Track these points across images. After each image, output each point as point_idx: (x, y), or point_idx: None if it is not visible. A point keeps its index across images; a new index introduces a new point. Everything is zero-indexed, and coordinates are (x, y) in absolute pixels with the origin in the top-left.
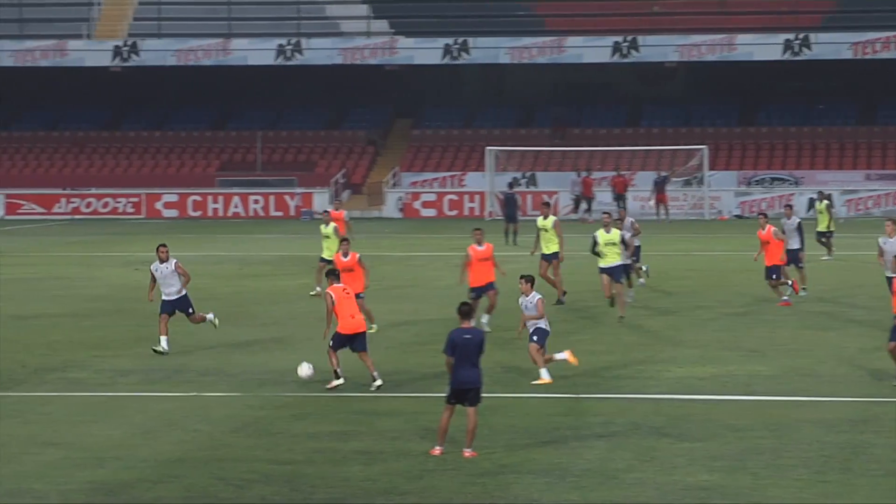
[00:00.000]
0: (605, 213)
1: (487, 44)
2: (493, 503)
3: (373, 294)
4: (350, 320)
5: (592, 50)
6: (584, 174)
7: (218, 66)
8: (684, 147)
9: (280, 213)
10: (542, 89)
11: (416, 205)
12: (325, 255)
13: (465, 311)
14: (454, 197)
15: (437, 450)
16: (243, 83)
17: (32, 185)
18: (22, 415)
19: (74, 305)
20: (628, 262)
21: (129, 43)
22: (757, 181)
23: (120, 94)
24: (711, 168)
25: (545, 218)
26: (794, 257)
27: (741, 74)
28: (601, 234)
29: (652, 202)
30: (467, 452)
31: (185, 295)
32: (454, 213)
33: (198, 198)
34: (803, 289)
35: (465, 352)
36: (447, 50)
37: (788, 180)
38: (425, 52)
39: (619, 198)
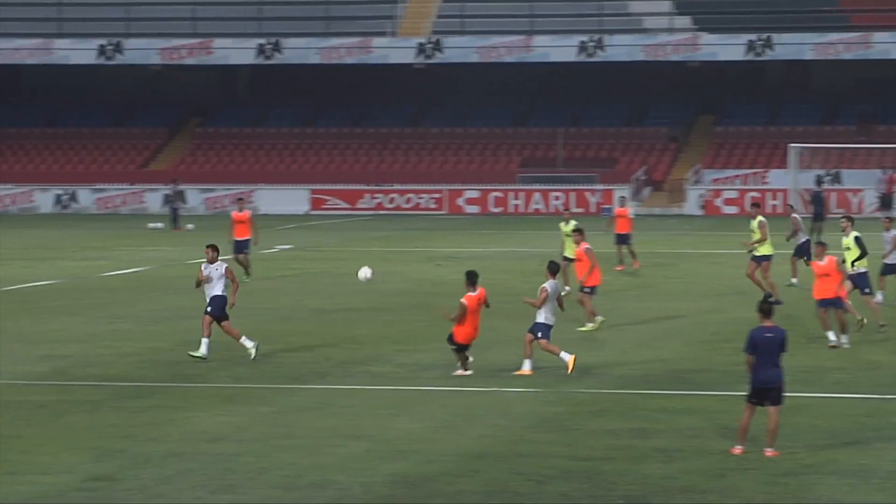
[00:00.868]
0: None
1: (792, 39)
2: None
3: (673, 291)
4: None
5: None
6: (889, 171)
7: (520, 62)
8: None
9: (581, 210)
10: (846, 85)
11: (718, 202)
12: (567, 254)
13: (766, 309)
14: (756, 194)
15: (737, 449)
16: (545, 80)
17: (337, 181)
18: (325, 407)
19: (377, 300)
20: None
21: (433, 40)
22: None
23: (423, 90)
24: None
25: (753, 219)
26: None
27: None
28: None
29: None
30: (769, 452)
31: (225, 299)
32: None
33: (499, 194)
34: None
35: (766, 350)
36: (750, 46)
37: None
38: (728, 48)
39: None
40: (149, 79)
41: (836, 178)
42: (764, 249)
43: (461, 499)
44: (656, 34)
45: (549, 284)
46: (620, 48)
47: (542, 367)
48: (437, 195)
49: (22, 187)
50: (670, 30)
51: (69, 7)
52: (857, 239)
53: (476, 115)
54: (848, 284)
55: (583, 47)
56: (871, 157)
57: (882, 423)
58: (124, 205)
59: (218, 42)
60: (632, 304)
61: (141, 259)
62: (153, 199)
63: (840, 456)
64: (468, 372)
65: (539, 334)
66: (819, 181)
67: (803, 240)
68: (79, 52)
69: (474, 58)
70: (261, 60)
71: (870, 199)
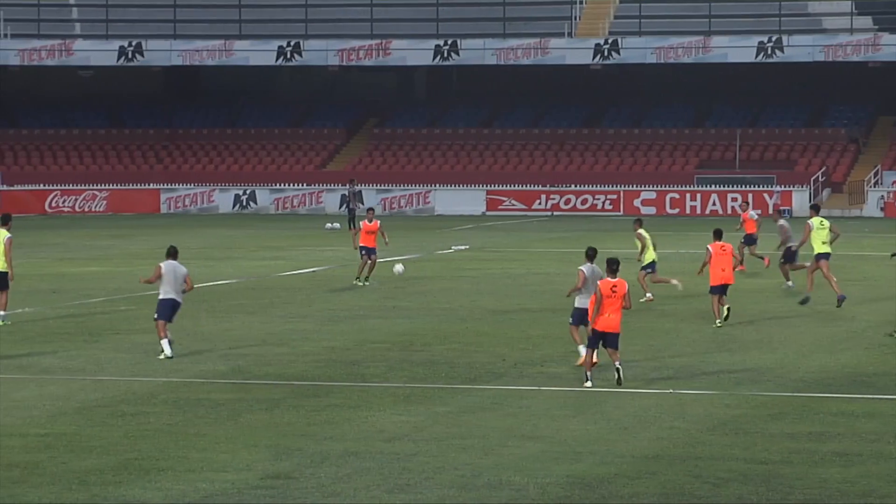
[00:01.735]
0: None
1: None
2: None
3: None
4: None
5: None
6: None
7: (697, 63)
8: None
9: (759, 211)
10: None
11: None
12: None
13: None
14: None
15: None
16: (722, 80)
17: (513, 182)
18: (501, 408)
19: (553, 301)
20: None
21: (610, 41)
22: None
23: (599, 91)
24: None
25: None
26: None
27: None
28: None
29: None
30: None
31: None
32: None
33: (675, 195)
34: None
35: None
36: None
37: None
38: None
39: None
40: (327, 80)
41: None
42: None
43: (637, 500)
44: (836, 34)
45: (585, 268)
46: (800, 48)
47: (719, 370)
48: (613, 196)
49: (202, 187)
50: (850, 30)
51: (249, 9)
52: None
53: (653, 115)
54: None
55: (761, 48)
56: None
57: None
58: (302, 205)
59: (395, 43)
60: (810, 307)
61: (318, 259)
62: (331, 199)
63: None
64: (588, 375)
65: (571, 319)
66: None
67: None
68: (258, 53)
69: (651, 59)
70: (438, 61)
71: None
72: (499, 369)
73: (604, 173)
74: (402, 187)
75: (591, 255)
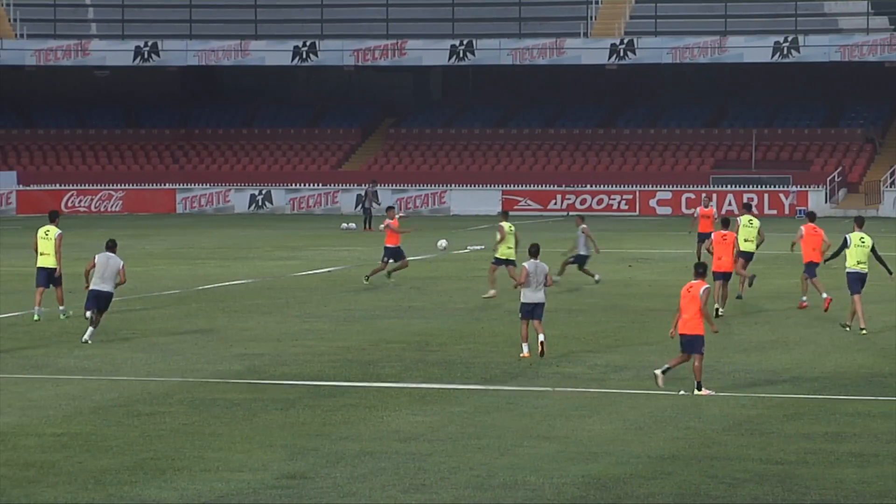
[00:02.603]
0: None
1: None
2: None
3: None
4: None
5: None
6: None
7: (713, 63)
8: None
9: (774, 212)
10: None
11: None
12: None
13: None
14: None
15: None
16: (738, 81)
17: (529, 182)
18: (517, 408)
19: (568, 301)
20: None
21: (626, 41)
22: None
23: (615, 91)
24: None
25: None
26: None
27: None
28: None
29: None
30: None
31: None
32: None
33: (691, 195)
34: None
35: None
36: None
37: None
38: None
39: None
40: (342, 80)
41: None
42: None
43: (653, 500)
44: (852, 34)
45: (528, 264)
46: (816, 48)
47: (735, 370)
48: (628, 196)
49: (218, 187)
50: (867, 30)
51: (265, 9)
52: None
53: (668, 115)
54: None
55: (777, 48)
56: None
57: None
58: (318, 205)
59: (411, 43)
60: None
61: (334, 259)
62: (346, 199)
63: None
64: (659, 379)
65: (520, 314)
66: None
67: None
68: (274, 53)
69: (667, 59)
70: (453, 61)
71: None
72: (514, 369)
73: (619, 173)
74: (417, 187)
75: (533, 252)
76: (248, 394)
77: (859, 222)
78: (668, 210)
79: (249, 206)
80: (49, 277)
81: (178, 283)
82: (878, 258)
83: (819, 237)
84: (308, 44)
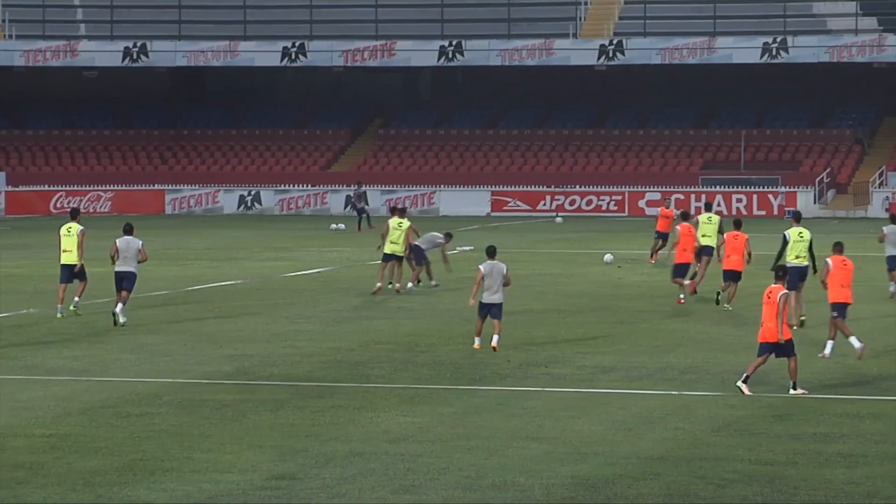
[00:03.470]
0: None
1: None
2: None
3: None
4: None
5: None
6: None
7: (702, 64)
8: None
9: (763, 212)
10: None
11: None
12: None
13: None
14: None
15: None
16: (727, 81)
17: (518, 183)
18: (506, 409)
19: (557, 302)
20: None
21: (615, 42)
22: None
23: (604, 92)
24: None
25: None
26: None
27: None
28: None
29: None
30: None
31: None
32: None
33: (680, 196)
34: None
35: None
36: None
37: None
38: None
39: None
40: (331, 80)
41: None
42: None
43: (642, 501)
44: (841, 35)
45: (483, 266)
46: (805, 49)
47: (723, 370)
48: (618, 197)
49: (207, 188)
50: (855, 31)
51: (253, 10)
52: None
53: (658, 116)
54: None
55: (766, 48)
56: None
57: None
58: (307, 206)
59: (400, 44)
60: (814, 308)
61: (323, 260)
62: (335, 200)
63: None
64: (745, 389)
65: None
66: None
67: None
68: (263, 54)
69: (656, 59)
70: (442, 62)
71: None
72: (504, 370)
73: (609, 174)
74: (406, 188)
75: (490, 252)
76: (237, 395)
77: (797, 217)
78: (657, 211)
79: (238, 207)
80: (71, 273)
81: (166, 284)
82: (811, 253)
83: (740, 245)
84: (297, 44)
